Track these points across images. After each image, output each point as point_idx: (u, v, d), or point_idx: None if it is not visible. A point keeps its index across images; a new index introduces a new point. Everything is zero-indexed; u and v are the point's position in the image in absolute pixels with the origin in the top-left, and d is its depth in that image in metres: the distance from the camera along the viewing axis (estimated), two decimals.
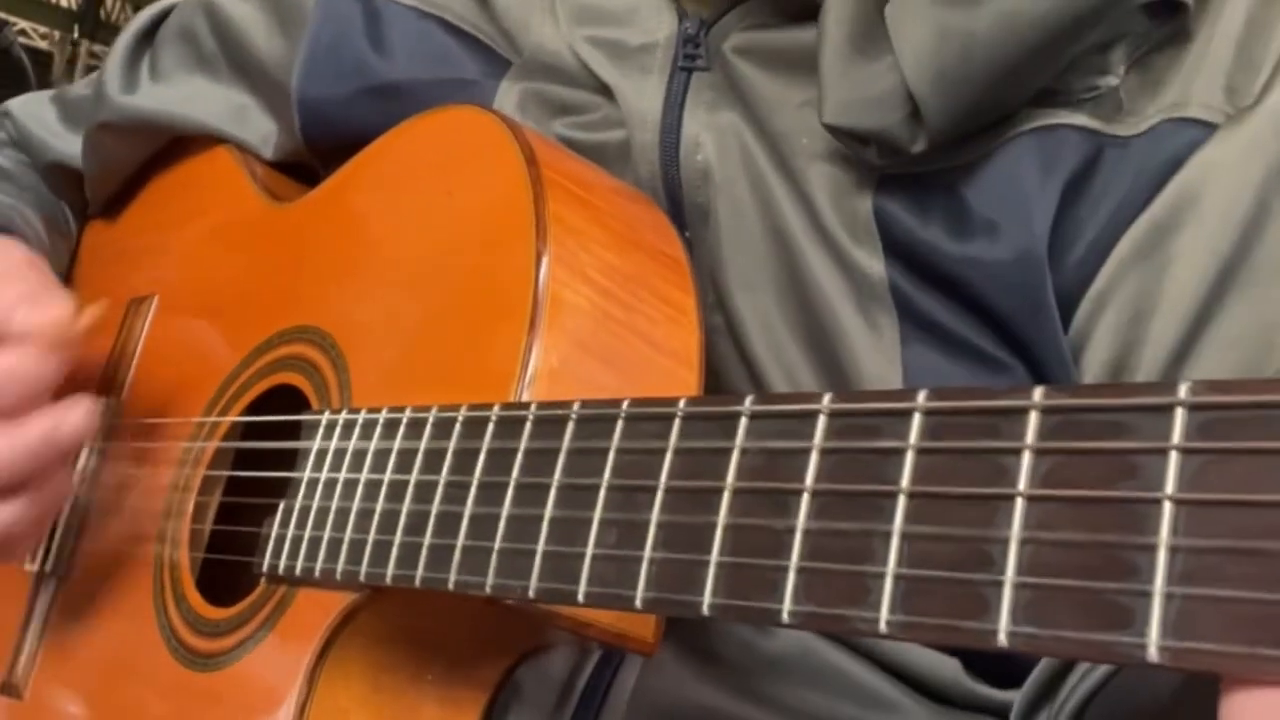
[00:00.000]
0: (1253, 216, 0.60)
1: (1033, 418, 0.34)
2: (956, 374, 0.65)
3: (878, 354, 0.65)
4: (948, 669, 0.68)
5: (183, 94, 0.91)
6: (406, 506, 0.54)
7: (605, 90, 0.72)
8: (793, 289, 0.67)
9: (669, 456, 0.44)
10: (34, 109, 1.01)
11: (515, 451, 0.50)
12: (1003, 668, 0.68)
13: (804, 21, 0.67)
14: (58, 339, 0.70)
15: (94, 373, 0.89)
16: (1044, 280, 0.63)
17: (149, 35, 0.96)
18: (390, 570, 0.54)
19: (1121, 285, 0.62)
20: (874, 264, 0.65)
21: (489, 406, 0.52)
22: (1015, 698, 0.66)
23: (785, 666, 0.67)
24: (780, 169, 0.67)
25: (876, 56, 0.62)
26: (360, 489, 0.58)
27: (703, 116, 0.69)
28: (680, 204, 0.70)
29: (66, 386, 0.72)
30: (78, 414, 0.69)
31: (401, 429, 0.57)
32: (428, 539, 0.53)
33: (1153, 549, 0.31)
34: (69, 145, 0.97)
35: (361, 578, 0.56)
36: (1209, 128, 0.61)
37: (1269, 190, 0.60)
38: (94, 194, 0.98)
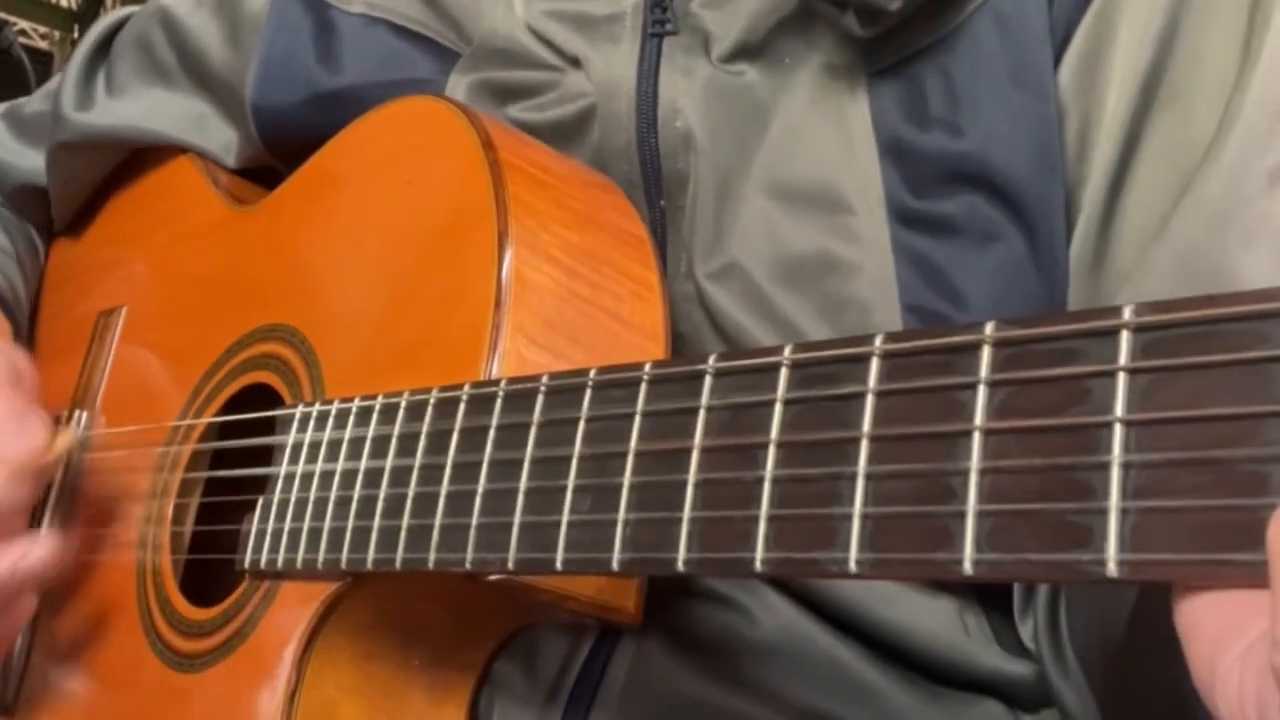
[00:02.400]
0: (1165, 32, 0.61)
1: (985, 352, 0.35)
2: (950, 258, 0.64)
3: (870, 272, 0.65)
4: (942, 634, 0.67)
5: (141, 106, 0.91)
6: (383, 491, 0.55)
7: (569, 64, 0.72)
8: (777, 238, 0.66)
9: (637, 420, 0.45)
10: None
11: (488, 429, 0.51)
12: (994, 598, 0.67)
13: None
14: (32, 468, 0.70)
15: (68, 387, 0.89)
16: (1052, 133, 0.64)
17: (103, 49, 0.96)
18: (371, 555, 0.55)
19: (1064, 122, 0.64)
20: (870, 168, 0.65)
21: (460, 387, 0.53)
22: (1009, 667, 0.66)
23: (775, 656, 0.66)
24: (761, 98, 0.67)
25: None
26: (337, 478, 0.58)
27: (679, 81, 0.69)
28: (658, 172, 0.69)
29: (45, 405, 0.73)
30: (41, 549, 0.70)
31: (375, 416, 0.57)
32: (406, 521, 0.53)
33: (1106, 467, 0.32)
34: (30, 162, 0.96)
35: (343, 564, 0.56)
36: None
37: (1176, 4, 0.61)
38: (59, 211, 0.98)
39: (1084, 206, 0.63)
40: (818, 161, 0.66)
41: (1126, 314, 0.32)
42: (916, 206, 0.65)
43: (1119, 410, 0.32)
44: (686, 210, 0.69)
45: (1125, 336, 0.32)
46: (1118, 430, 0.32)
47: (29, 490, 0.70)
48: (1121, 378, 0.32)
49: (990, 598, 0.68)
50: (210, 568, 0.71)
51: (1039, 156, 0.63)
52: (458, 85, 0.75)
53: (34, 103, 1.00)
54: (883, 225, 0.65)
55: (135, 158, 0.94)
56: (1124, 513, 0.31)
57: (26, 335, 0.95)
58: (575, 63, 0.71)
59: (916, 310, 0.64)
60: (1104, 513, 0.31)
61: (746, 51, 0.68)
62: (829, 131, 0.66)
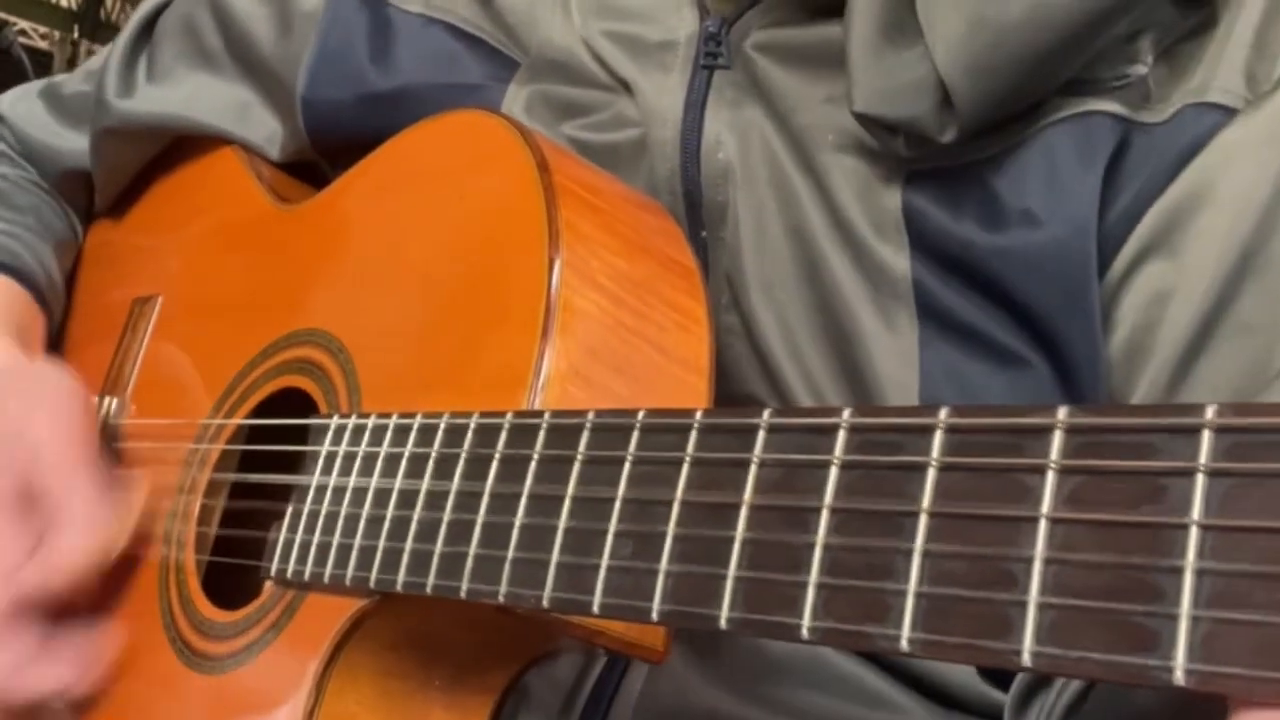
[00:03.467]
0: (1271, 202, 0.60)
1: (1057, 436, 0.34)
2: (975, 372, 0.65)
3: (895, 355, 0.65)
4: (959, 672, 0.67)
5: (184, 93, 0.91)
6: (418, 513, 0.54)
7: (620, 87, 0.72)
8: (811, 288, 0.67)
9: (685, 468, 0.44)
10: (26, 107, 0.99)
11: (529, 459, 0.50)
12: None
13: (826, 17, 0.67)
14: (98, 555, 0.70)
15: (99, 373, 0.89)
16: (1088, 270, 0.62)
17: (146, 32, 0.95)
18: (401, 577, 0.54)
19: (1140, 268, 0.63)
20: (899, 261, 0.65)
21: (502, 414, 0.52)
22: None
23: (792, 671, 0.66)
24: (803, 166, 0.67)
25: (907, 46, 0.62)
26: (370, 495, 0.57)
27: (725, 115, 0.69)
28: (699, 203, 0.69)
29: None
30: (55, 676, 0.70)
31: (413, 435, 0.56)
32: (439, 547, 0.52)
33: (1179, 572, 0.31)
34: (73, 144, 0.96)
35: (371, 584, 0.56)
36: (1229, 112, 0.62)
37: None
38: (101, 195, 0.97)
39: (1153, 359, 0.62)
40: (849, 238, 0.66)
41: (1209, 413, 0.31)
42: (945, 307, 0.65)
43: (1196, 513, 0.31)
44: (728, 241, 0.69)
45: (1207, 436, 0.31)
46: (1194, 533, 0.31)
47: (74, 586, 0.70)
48: (1200, 479, 0.31)
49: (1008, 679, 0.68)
50: (232, 571, 0.71)
51: (1070, 290, 0.63)
52: (518, 95, 0.75)
53: (74, 82, 0.99)
54: (911, 313, 0.65)
55: (179, 144, 0.93)
56: (1195, 620, 0.30)
57: (59, 323, 0.95)
58: (625, 86, 0.71)
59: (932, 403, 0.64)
60: (1174, 618, 0.31)
61: (794, 111, 0.68)
62: (860, 214, 0.66)
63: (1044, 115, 0.63)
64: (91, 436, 0.73)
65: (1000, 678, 0.68)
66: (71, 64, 4.46)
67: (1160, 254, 0.62)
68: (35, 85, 1.02)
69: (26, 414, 0.72)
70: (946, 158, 0.64)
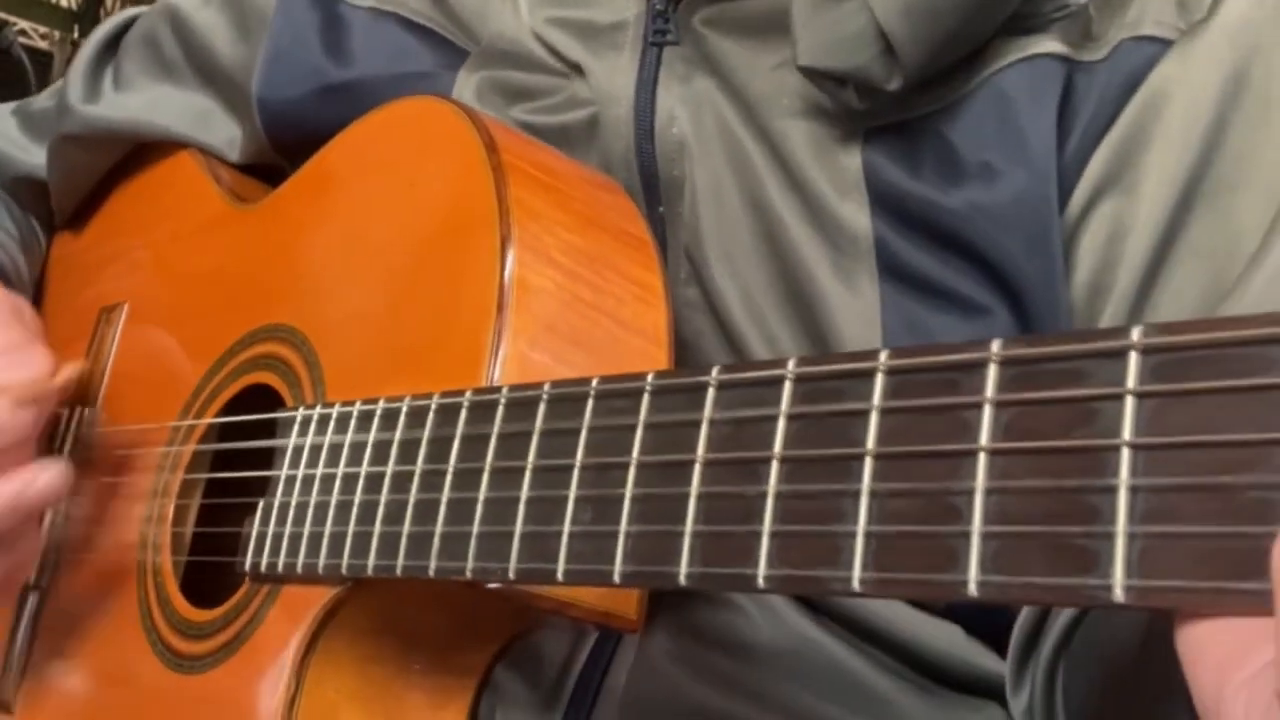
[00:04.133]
0: (1213, 128, 0.61)
1: (991, 370, 0.35)
2: (936, 323, 0.65)
3: (856, 315, 0.65)
4: (944, 640, 0.67)
5: (146, 100, 0.91)
6: (384, 497, 0.55)
7: (570, 71, 0.72)
8: (771, 256, 0.67)
9: (640, 431, 0.44)
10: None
11: (489, 436, 0.50)
12: (998, 625, 0.68)
13: None
14: (35, 395, 0.70)
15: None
16: (1049, 215, 0.63)
17: (112, 45, 0.96)
18: (371, 561, 0.54)
19: (1095, 206, 0.63)
20: (859, 218, 0.65)
21: (461, 393, 0.52)
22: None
23: (778, 662, 0.66)
24: (758, 135, 0.67)
25: None
26: (338, 482, 0.58)
27: (676, 89, 0.69)
28: (655, 179, 0.70)
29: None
30: (49, 475, 0.69)
31: (376, 420, 0.57)
32: (406, 527, 0.53)
33: (1113, 491, 0.31)
34: (34, 157, 0.96)
35: (344, 570, 0.56)
36: (1164, 44, 0.62)
37: (1226, 101, 0.61)
38: (60, 205, 0.98)
39: (1112, 295, 0.62)
40: (807, 201, 0.66)
41: (1135, 334, 0.32)
42: (905, 263, 0.65)
43: (1127, 434, 0.31)
44: (685, 217, 0.69)
45: (1134, 358, 0.32)
46: (1125, 454, 0.31)
47: (32, 417, 0.70)
48: (1130, 400, 0.32)
49: (994, 633, 0.68)
50: (210, 569, 0.71)
51: (1031, 235, 0.63)
52: (467, 82, 0.75)
53: (41, 100, 1.00)
54: (872, 274, 0.65)
55: (137, 153, 0.94)
56: (1131, 537, 0.31)
57: None
58: (577, 69, 0.71)
59: None
60: (1111, 537, 0.31)
61: (745, 82, 0.68)
62: (821, 173, 0.66)
63: (991, 61, 0.64)
64: (19, 317, 0.75)
65: (986, 634, 0.68)
66: (71, 64, 4.43)
67: (1113, 192, 0.62)
68: (8, 106, 1.03)
69: None
70: (901, 111, 0.64)
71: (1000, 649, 0.67)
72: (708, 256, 0.69)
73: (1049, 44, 0.64)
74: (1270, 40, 0.61)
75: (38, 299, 0.98)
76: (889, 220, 0.65)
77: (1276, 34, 0.61)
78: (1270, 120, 0.60)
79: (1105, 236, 0.63)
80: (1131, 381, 0.32)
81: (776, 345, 0.67)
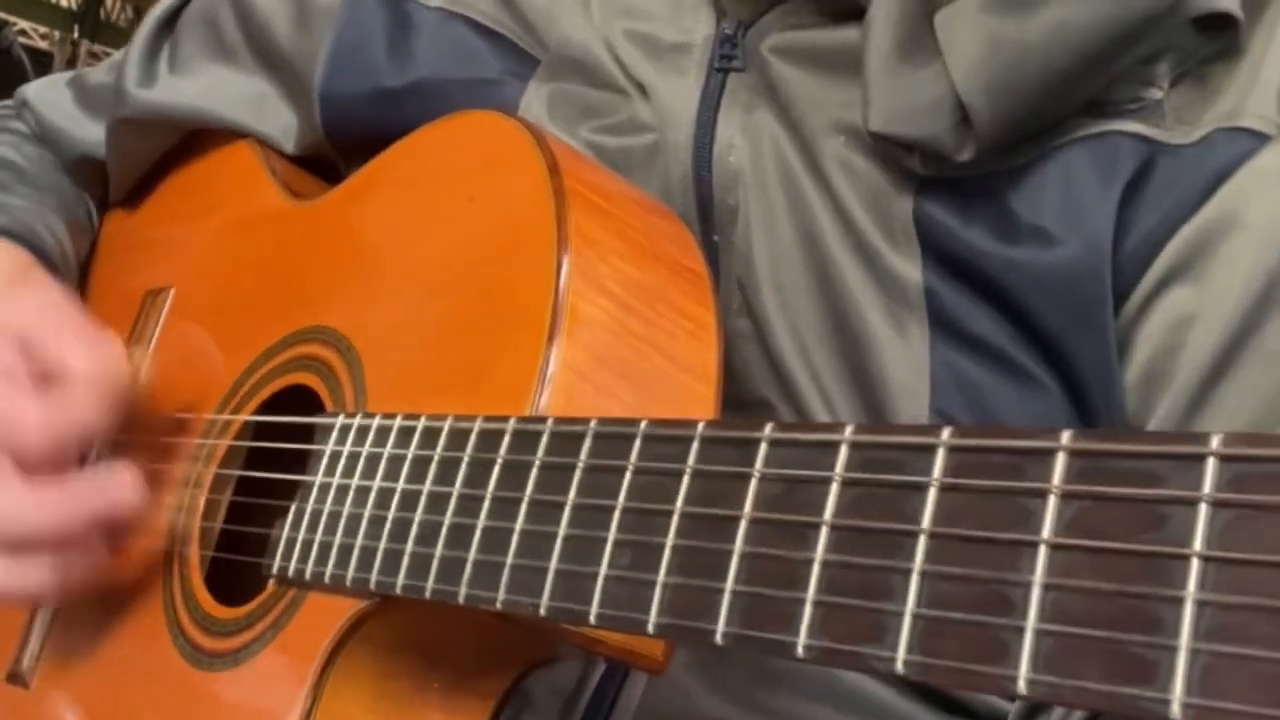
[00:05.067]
0: None
1: (1059, 460, 0.34)
2: (986, 384, 0.64)
3: (906, 362, 0.65)
4: None
5: (202, 85, 0.91)
6: (419, 516, 0.54)
7: (635, 89, 0.71)
8: (822, 293, 0.67)
9: (686, 479, 0.44)
10: (51, 94, 1.00)
11: (531, 466, 0.50)
12: None
13: (844, 22, 0.66)
14: (114, 386, 0.68)
15: None
16: (1101, 291, 0.62)
17: (169, 24, 0.96)
18: (400, 580, 0.54)
19: (1165, 292, 0.62)
20: (910, 269, 0.64)
21: (505, 419, 0.52)
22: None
23: (794, 679, 0.66)
24: (814, 171, 0.67)
25: (924, 63, 0.61)
26: (373, 496, 0.57)
27: (738, 118, 0.69)
28: (710, 206, 0.69)
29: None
30: (128, 490, 0.67)
31: (416, 436, 0.56)
32: (439, 550, 0.52)
33: (1179, 602, 0.30)
34: (91, 133, 0.96)
35: (371, 586, 0.55)
36: (1261, 138, 0.61)
37: None
38: (115, 185, 0.98)
39: (1173, 384, 0.61)
40: (860, 244, 0.65)
41: (1215, 442, 0.31)
42: (956, 317, 0.64)
43: (1198, 544, 0.30)
44: (738, 246, 0.69)
45: (1211, 465, 0.31)
46: (1195, 565, 0.30)
47: (113, 414, 0.68)
48: (1204, 509, 0.31)
49: None
50: (236, 566, 0.71)
51: (1081, 309, 0.62)
52: (538, 93, 0.74)
53: (99, 73, 1.00)
54: (922, 323, 0.64)
55: (194, 138, 0.94)
56: (1195, 653, 0.30)
57: None
58: (640, 89, 0.71)
59: (944, 416, 0.64)
60: (1173, 650, 0.30)
61: (806, 117, 0.67)
62: (870, 220, 0.65)
63: (1063, 133, 0.63)
64: (78, 313, 0.73)
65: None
66: (71, 64, 4.44)
67: (1185, 279, 0.61)
68: (65, 75, 1.03)
69: (13, 307, 0.72)
70: (961, 170, 0.63)
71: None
72: (759, 287, 0.68)
73: (1126, 124, 0.62)
74: None
75: (84, 278, 0.98)
76: (940, 272, 0.64)
77: None
78: None
79: (1171, 323, 0.61)
80: (1207, 489, 0.31)
81: (822, 383, 0.67)
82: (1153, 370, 0.62)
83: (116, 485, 0.67)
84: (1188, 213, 0.61)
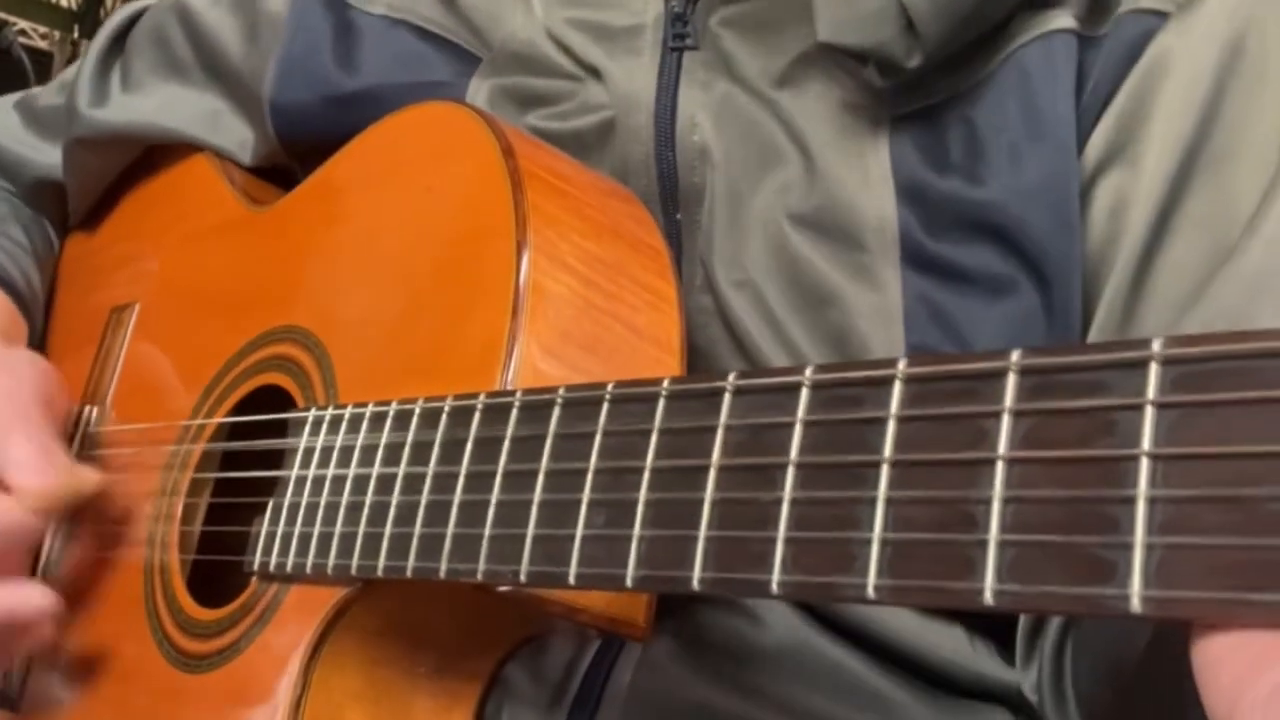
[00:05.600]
0: (1210, 99, 0.61)
1: (1010, 380, 0.35)
2: (960, 307, 0.64)
3: (875, 311, 0.65)
4: (949, 648, 0.67)
5: (156, 102, 0.91)
6: (395, 498, 0.55)
7: (586, 73, 0.72)
8: (790, 262, 0.67)
9: (654, 436, 0.44)
10: (1, 119, 1.00)
11: (502, 439, 0.50)
12: (1000, 623, 0.68)
13: None
14: (56, 506, 0.71)
15: (78, 382, 0.89)
16: (1072, 189, 0.63)
17: (118, 43, 0.96)
18: (381, 562, 0.54)
19: (1099, 180, 0.64)
20: (886, 210, 0.65)
21: (474, 396, 0.52)
22: (1017, 677, 0.66)
23: (782, 663, 0.66)
24: (782, 131, 0.67)
25: None
26: (349, 483, 0.58)
27: (698, 95, 0.69)
28: (674, 185, 0.69)
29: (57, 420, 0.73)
30: (33, 600, 0.70)
31: (388, 422, 0.57)
32: (418, 529, 0.53)
33: (1132, 501, 0.31)
34: (46, 156, 0.96)
35: (353, 571, 0.56)
36: (1163, 16, 0.63)
37: (1223, 72, 0.61)
38: (75, 206, 0.98)
39: (1115, 267, 0.63)
40: (832, 196, 0.66)
41: (1155, 346, 0.32)
42: (931, 251, 0.65)
43: (1146, 444, 0.32)
44: (703, 224, 0.69)
45: (1154, 369, 0.32)
46: (1144, 464, 0.31)
47: (43, 525, 0.71)
48: (1149, 411, 0.32)
49: (998, 630, 0.68)
50: (218, 568, 0.71)
51: (1057, 212, 0.63)
52: (479, 90, 0.75)
53: (48, 95, 0.99)
54: (895, 265, 0.65)
55: (151, 153, 0.94)
56: (1149, 548, 0.31)
57: (40, 331, 0.95)
58: (594, 73, 0.71)
59: (920, 350, 0.65)
60: (1129, 547, 0.31)
61: (767, 78, 0.68)
62: (846, 168, 0.66)
63: (1010, 38, 0.64)
64: (47, 410, 0.74)
65: (992, 631, 0.68)
66: (71, 64, 4.40)
67: (1116, 164, 0.63)
68: (10, 98, 1.02)
69: None
70: (925, 95, 0.64)
71: (1003, 646, 0.68)
72: (723, 264, 0.69)
73: (1063, 19, 0.64)
74: (1266, 11, 0.62)
75: (48, 301, 0.98)
76: (916, 211, 0.65)
77: (1272, 5, 0.62)
78: (1266, 89, 0.61)
79: (1109, 209, 0.63)
80: (1152, 392, 0.32)
81: (795, 350, 0.67)
82: (1100, 255, 0.64)
83: (22, 594, 0.70)
84: (1106, 99, 0.63)
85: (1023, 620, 0.62)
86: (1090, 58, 0.64)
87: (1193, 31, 0.62)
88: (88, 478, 0.74)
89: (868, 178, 0.65)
